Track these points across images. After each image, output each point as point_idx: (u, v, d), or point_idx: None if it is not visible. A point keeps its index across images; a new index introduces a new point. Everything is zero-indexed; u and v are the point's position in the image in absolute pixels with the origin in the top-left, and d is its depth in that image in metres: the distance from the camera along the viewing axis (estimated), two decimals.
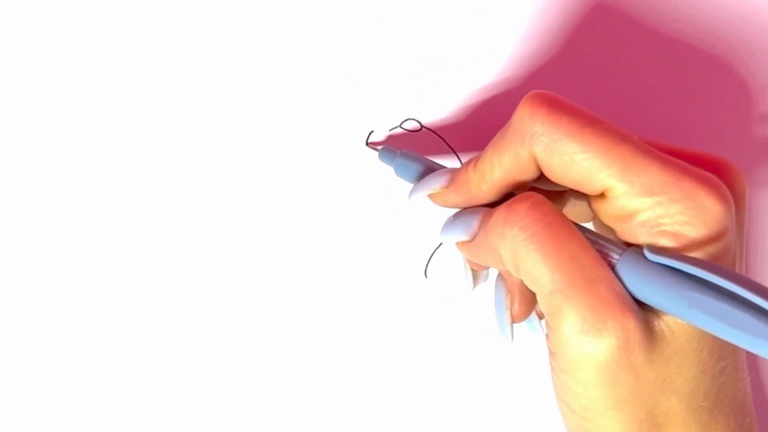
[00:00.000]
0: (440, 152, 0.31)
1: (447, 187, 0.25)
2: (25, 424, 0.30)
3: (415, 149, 0.31)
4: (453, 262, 0.31)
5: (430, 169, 0.27)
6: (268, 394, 0.30)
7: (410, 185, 0.27)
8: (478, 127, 0.31)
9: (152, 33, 0.31)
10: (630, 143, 0.20)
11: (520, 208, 0.21)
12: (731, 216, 0.20)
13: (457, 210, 0.25)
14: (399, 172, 0.28)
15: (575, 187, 0.21)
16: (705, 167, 0.21)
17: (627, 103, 0.31)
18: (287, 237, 0.30)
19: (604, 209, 0.21)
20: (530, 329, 0.27)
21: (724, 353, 0.21)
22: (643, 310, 0.20)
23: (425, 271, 0.31)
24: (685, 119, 0.31)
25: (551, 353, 0.21)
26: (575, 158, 0.20)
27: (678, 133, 0.31)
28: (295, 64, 0.31)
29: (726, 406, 0.21)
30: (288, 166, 0.31)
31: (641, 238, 0.20)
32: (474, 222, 0.23)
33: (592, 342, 0.19)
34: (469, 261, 0.27)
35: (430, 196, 0.25)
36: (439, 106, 0.31)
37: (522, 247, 0.20)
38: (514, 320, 0.26)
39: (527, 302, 0.26)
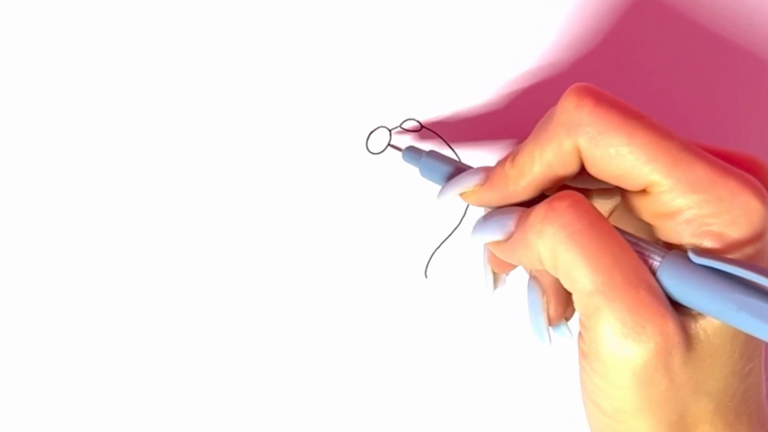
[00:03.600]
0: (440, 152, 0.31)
1: (482, 185, 0.24)
2: (25, 424, 0.30)
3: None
4: (465, 263, 0.31)
5: (459, 170, 0.26)
6: (268, 394, 0.31)
7: (432, 184, 0.27)
8: (478, 127, 0.31)
9: (152, 33, 0.31)
10: (676, 139, 0.20)
11: (560, 205, 0.20)
12: None
13: (485, 211, 0.25)
14: (425, 172, 0.27)
15: (617, 182, 0.21)
16: (739, 166, 0.21)
17: (659, 98, 0.31)
18: (287, 237, 0.30)
19: (645, 206, 0.21)
20: (559, 334, 0.26)
21: (753, 354, 0.21)
22: (680, 313, 0.20)
23: (425, 271, 0.31)
24: (720, 116, 0.31)
25: (583, 354, 0.21)
26: (620, 151, 0.20)
27: (713, 130, 0.31)
28: (295, 64, 0.31)
29: (750, 405, 0.21)
30: (288, 166, 0.31)
31: (684, 236, 0.20)
32: (510, 221, 0.22)
33: (631, 345, 0.19)
34: (490, 263, 0.27)
35: (462, 194, 0.25)
36: (439, 106, 0.31)
37: (562, 245, 0.20)
38: (550, 322, 0.25)
39: (563, 303, 0.25)
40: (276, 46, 0.31)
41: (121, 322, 0.30)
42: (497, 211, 0.24)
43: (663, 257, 0.20)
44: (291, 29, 0.31)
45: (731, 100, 0.31)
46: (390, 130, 0.30)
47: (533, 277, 0.26)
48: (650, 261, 0.21)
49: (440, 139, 0.31)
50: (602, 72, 0.31)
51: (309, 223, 0.30)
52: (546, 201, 0.21)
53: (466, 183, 0.24)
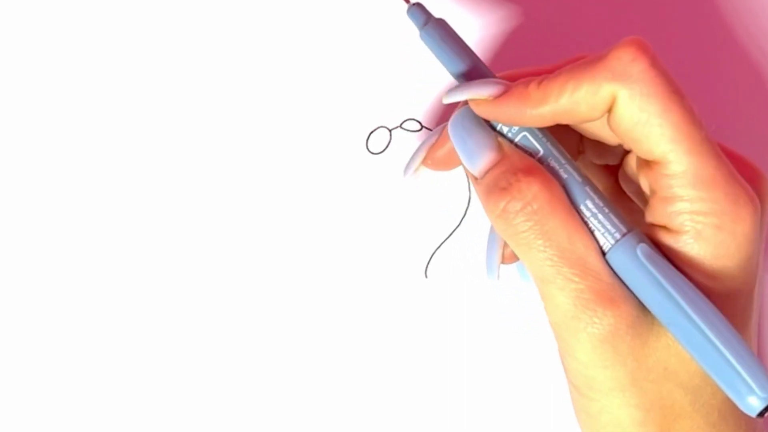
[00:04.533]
0: None
1: (497, 98, 0.23)
2: (25, 424, 0.30)
3: (415, 149, 0.31)
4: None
5: (477, 66, 0.24)
6: (268, 393, 0.30)
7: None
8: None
9: (152, 33, 0.31)
10: (703, 130, 0.20)
11: (522, 196, 0.21)
12: (758, 233, 0.21)
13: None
14: (426, 39, 0.25)
15: (630, 144, 0.21)
16: (741, 170, 0.21)
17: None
18: (287, 237, 0.30)
19: (646, 176, 0.21)
20: (521, 277, 0.27)
21: None
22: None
23: (425, 270, 0.31)
24: (734, 119, 0.31)
25: (554, 335, 0.22)
26: (652, 119, 0.20)
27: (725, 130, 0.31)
28: (295, 64, 0.31)
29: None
30: (287, 166, 0.31)
31: (668, 220, 0.21)
32: (479, 165, 0.23)
33: (584, 328, 0.20)
34: (429, 153, 0.26)
35: (471, 101, 0.23)
36: (439, 106, 0.31)
37: (516, 236, 0.21)
38: (504, 260, 0.26)
39: None
40: (276, 47, 0.31)
41: (121, 322, 0.30)
42: (475, 131, 0.23)
43: (616, 241, 0.21)
44: (291, 29, 0.31)
45: (728, 97, 0.31)
46: (390, 130, 0.30)
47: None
48: (606, 241, 0.21)
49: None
50: None
51: (309, 223, 0.30)
52: (508, 190, 0.21)
53: (481, 91, 0.23)
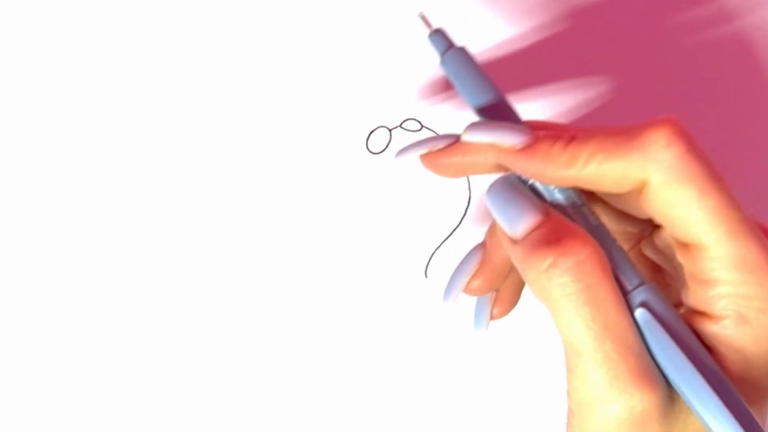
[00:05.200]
0: None
1: (521, 150, 0.22)
2: (25, 424, 0.30)
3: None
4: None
5: (498, 102, 0.23)
6: (268, 393, 0.30)
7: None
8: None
9: (152, 33, 0.31)
10: (741, 212, 0.20)
11: (568, 262, 0.20)
12: None
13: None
14: (447, 69, 0.24)
15: (667, 226, 0.21)
16: None
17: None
18: (288, 237, 0.30)
19: (683, 258, 0.21)
20: (475, 325, 0.26)
21: None
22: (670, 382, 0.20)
23: (425, 270, 0.31)
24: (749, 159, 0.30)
25: (570, 410, 0.21)
26: (688, 204, 0.20)
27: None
28: (296, 64, 0.31)
29: None
30: (287, 166, 0.31)
31: (710, 305, 0.20)
32: (520, 227, 0.21)
33: (614, 409, 0.19)
34: (427, 158, 0.25)
35: (495, 146, 0.22)
36: (439, 106, 0.31)
37: (556, 302, 0.20)
38: (466, 290, 0.25)
39: (490, 284, 0.25)
40: (276, 47, 0.31)
41: (121, 322, 0.30)
42: (515, 199, 0.22)
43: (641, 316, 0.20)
44: (291, 29, 0.31)
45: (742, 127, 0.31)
46: (390, 130, 0.30)
47: (483, 244, 0.25)
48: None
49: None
50: (603, 78, 0.31)
51: (309, 223, 0.30)
52: (556, 248, 0.20)
53: (506, 137, 0.22)
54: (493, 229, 0.25)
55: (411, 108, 0.31)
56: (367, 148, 0.30)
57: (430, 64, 0.31)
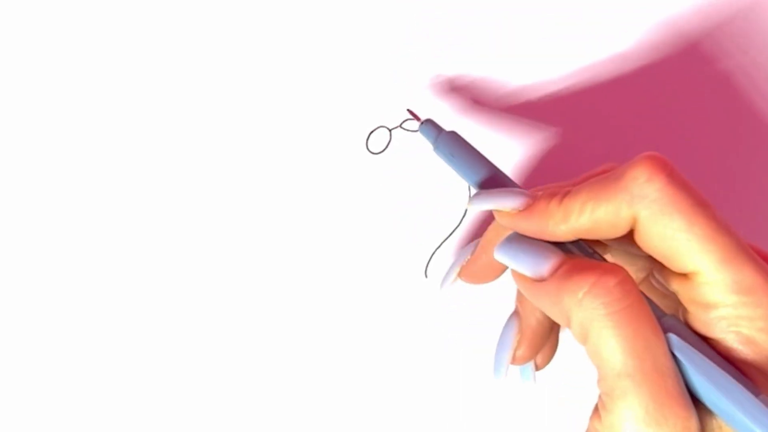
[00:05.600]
0: None
1: (520, 211, 0.23)
2: (25, 424, 0.30)
3: (415, 149, 0.31)
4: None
5: (494, 174, 0.25)
6: (268, 393, 0.30)
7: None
8: (479, 127, 0.31)
9: (152, 33, 0.31)
10: (733, 236, 0.20)
11: (609, 282, 0.20)
12: None
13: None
14: (440, 152, 0.26)
15: (662, 260, 0.21)
16: None
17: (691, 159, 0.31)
18: (288, 237, 0.30)
19: (684, 290, 0.21)
20: (522, 377, 0.26)
21: None
22: (697, 408, 0.20)
23: (425, 270, 0.31)
24: (741, 192, 0.30)
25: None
26: (677, 235, 0.20)
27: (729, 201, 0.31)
28: (295, 64, 0.31)
29: None
30: (287, 166, 0.31)
31: (712, 329, 0.20)
32: (546, 266, 0.22)
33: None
34: (464, 269, 0.26)
35: (496, 211, 0.24)
36: (440, 107, 0.31)
37: (598, 322, 0.20)
38: (514, 361, 0.25)
39: (534, 348, 0.25)
40: (276, 47, 0.31)
41: (121, 322, 0.30)
42: (532, 242, 0.23)
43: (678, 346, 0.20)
44: (291, 29, 0.31)
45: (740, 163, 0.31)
46: (390, 130, 0.30)
47: (516, 313, 0.26)
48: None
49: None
50: (600, 86, 0.31)
51: (309, 223, 0.30)
52: (595, 271, 0.20)
53: (505, 202, 0.23)
54: (521, 294, 0.25)
55: (411, 108, 0.31)
56: (367, 148, 0.30)
57: (430, 64, 0.31)
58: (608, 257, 0.26)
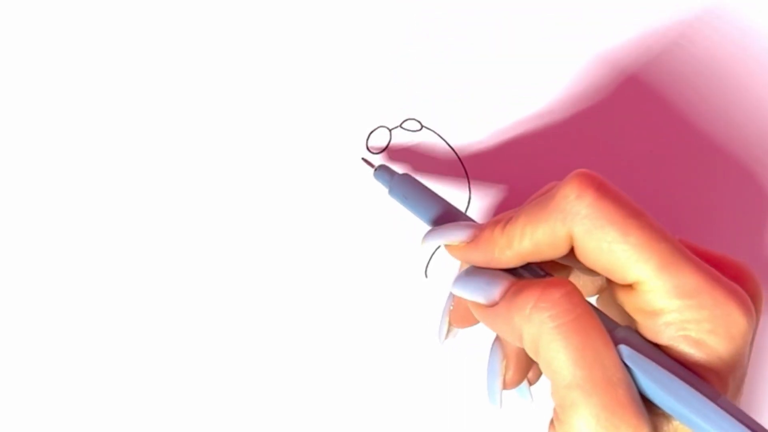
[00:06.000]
0: (441, 152, 0.31)
1: (468, 243, 0.24)
2: (25, 424, 0.30)
3: (415, 149, 0.31)
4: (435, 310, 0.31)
5: (429, 201, 0.26)
6: (268, 394, 0.30)
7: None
8: (478, 127, 0.31)
9: (152, 33, 0.31)
10: (670, 242, 0.20)
11: (553, 294, 0.20)
12: (752, 331, 0.20)
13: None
14: (395, 194, 0.27)
15: (605, 274, 0.21)
16: (727, 272, 0.21)
17: (638, 183, 0.31)
18: (287, 237, 0.30)
19: (629, 299, 0.21)
20: (520, 396, 0.26)
21: None
22: (652, 414, 0.20)
23: (425, 271, 0.31)
24: (693, 211, 0.31)
25: None
26: (614, 247, 0.20)
27: (689, 228, 0.31)
28: (295, 64, 0.31)
29: None
30: (288, 166, 0.31)
31: (662, 336, 0.21)
32: (496, 290, 0.22)
33: None
34: (450, 315, 0.27)
35: (446, 246, 0.25)
36: (440, 106, 0.31)
37: (547, 335, 0.20)
38: (505, 386, 0.25)
39: (522, 370, 0.26)
40: (276, 47, 0.31)
41: (119, 323, 0.30)
42: (482, 271, 0.23)
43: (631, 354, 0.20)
44: (291, 29, 0.31)
45: (704, 196, 0.31)
46: (390, 130, 0.31)
47: (498, 340, 0.26)
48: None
49: (441, 140, 0.31)
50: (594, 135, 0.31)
51: (309, 223, 0.30)
52: (538, 286, 0.21)
53: (453, 236, 0.24)
54: None
55: (411, 108, 0.31)
56: (367, 148, 0.30)
57: (430, 64, 0.31)
58: (572, 278, 0.26)
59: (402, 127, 0.31)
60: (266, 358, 0.30)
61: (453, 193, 0.30)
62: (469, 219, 0.26)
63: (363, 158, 0.30)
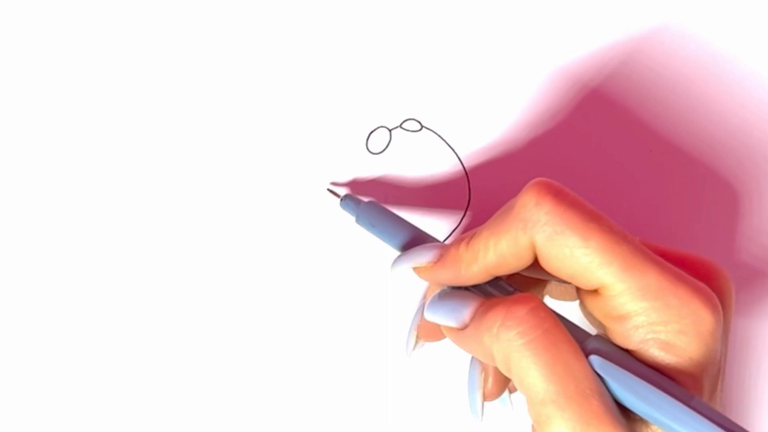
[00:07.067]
0: (440, 152, 0.31)
1: (435, 263, 0.24)
2: (25, 424, 0.30)
3: (415, 149, 0.31)
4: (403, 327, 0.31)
5: (395, 227, 0.27)
6: (267, 395, 0.30)
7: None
8: (478, 127, 0.31)
9: (152, 33, 0.31)
10: (631, 244, 0.20)
11: (519, 312, 0.20)
12: (721, 327, 0.20)
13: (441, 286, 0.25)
14: (362, 222, 0.28)
15: (569, 280, 0.21)
16: (695, 270, 0.21)
17: (607, 192, 0.31)
18: (287, 237, 0.30)
19: (596, 305, 0.21)
20: (501, 404, 0.27)
21: None
22: (630, 420, 0.20)
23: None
24: (666, 219, 0.31)
25: None
26: (575, 252, 0.20)
27: (659, 232, 0.31)
28: (296, 64, 0.31)
29: None
30: (288, 166, 0.31)
31: (632, 340, 0.20)
32: (465, 312, 0.22)
33: None
34: (418, 330, 0.27)
35: (415, 269, 0.25)
36: (440, 106, 0.31)
37: (516, 353, 0.20)
38: (485, 398, 0.26)
39: (501, 382, 0.26)
40: (276, 47, 0.31)
41: (118, 323, 0.30)
42: (452, 294, 0.24)
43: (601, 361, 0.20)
44: (291, 29, 0.31)
45: (673, 200, 0.31)
46: (390, 130, 0.30)
47: None
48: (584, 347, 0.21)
49: (441, 140, 0.31)
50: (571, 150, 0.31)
51: (309, 223, 0.30)
52: (504, 304, 0.21)
53: (420, 259, 0.24)
54: None
55: (411, 108, 0.31)
56: (367, 148, 0.30)
57: (430, 64, 0.31)
58: (550, 286, 0.26)
59: (402, 127, 0.31)
60: (264, 358, 0.30)
61: (453, 194, 0.30)
62: (436, 240, 0.26)
63: (328, 189, 0.30)
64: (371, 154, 0.30)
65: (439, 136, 0.31)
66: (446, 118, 0.31)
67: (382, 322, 0.31)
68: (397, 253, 0.26)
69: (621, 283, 0.20)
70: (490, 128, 0.31)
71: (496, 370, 0.25)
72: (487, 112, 0.31)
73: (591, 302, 0.22)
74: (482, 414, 0.26)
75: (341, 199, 0.29)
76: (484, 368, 0.25)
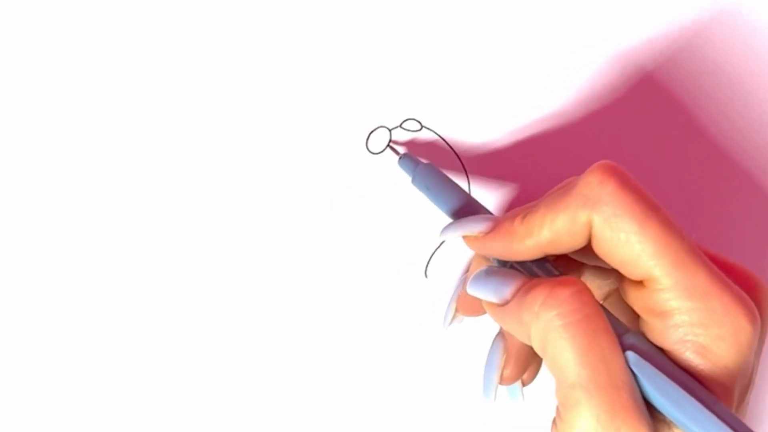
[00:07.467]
0: (440, 152, 0.31)
1: (487, 234, 0.24)
2: (25, 424, 0.30)
3: (415, 149, 0.31)
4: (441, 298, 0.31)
5: (452, 191, 0.26)
6: (267, 395, 0.30)
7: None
8: (478, 128, 0.31)
9: (152, 33, 0.31)
10: (686, 241, 0.20)
11: (562, 293, 0.20)
12: (757, 339, 0.20)
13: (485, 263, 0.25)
14: (418, 183, 0.27)
15: (618, 267, 0.21)
16: (738, 279, 0.21)
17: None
18: (287, 237, 0.30)
19: (639, 298, 0.21)
20: (510, 395, 0.27)
21: None
22: (655, 420, 0.20)
23: (425, 270, 0.31)
24: (702, 221, 0.30)
25: None
26: (630, 238, 0.20)
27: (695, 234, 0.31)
28: (295, 64, 0.31)
29: None
30: (288, 166, 0.31)
31: (669, 339, 0.20)
32: (507, 289, 0.22)
33: None
34: (458, 302, 0.27)
35: (465, 237, 0.25)
36: (440, 106, 0.31)
37: (554, 332, 0.20)
38: (502, 382, 0.26)
39: (520, 367, 0.26)
40: (276, 47, 0.31)
41: (117, 323, 0.30)
42: (497, 272, 0.23)
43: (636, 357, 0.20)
44: (291, 29, 0.31)
45: (708, 202, 0.31)
46: (390, 130, 0.30)
47: (500, 334, 0.26)
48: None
49: (440, 140, 0.31)
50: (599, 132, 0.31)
51: (309, 223, 0.30)
52: (548, 284, 0.21)
53: (472, 228, 0.24)
54: None
55: (411, 108, 0.31)
56: (367, 148, 0.30)
57: (430, 64, 0.31)
58: (583, 278, 0.26)
59: (402, 127, 0.31)
60: (264, 358, 0.30)
61: None
62: (489, 213, 0.26)
63: (389, 145, 0.30)
64: (371, 154, 0.30)
65: (439, 136, 0.31)
66: (446, 118, 0.31)
67: (382, 322, 0.31)
68: (448, 219, 0.26)
69: (669, 279, 0.20)
70: (490, 128, 0.31)
71: (518, 354, 0.25)
72: (487, 112, 0.31)
73: (634, 294, 0.22)
74: (495, 395, 0.26)
75: (399, 158, 0.28)
76: (506, 350, 0.25)
